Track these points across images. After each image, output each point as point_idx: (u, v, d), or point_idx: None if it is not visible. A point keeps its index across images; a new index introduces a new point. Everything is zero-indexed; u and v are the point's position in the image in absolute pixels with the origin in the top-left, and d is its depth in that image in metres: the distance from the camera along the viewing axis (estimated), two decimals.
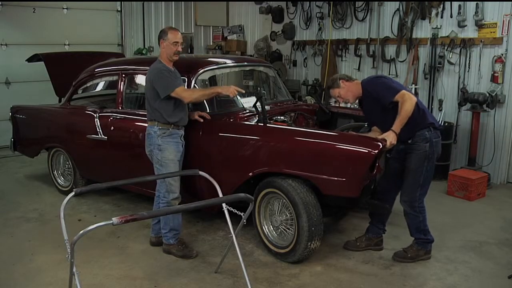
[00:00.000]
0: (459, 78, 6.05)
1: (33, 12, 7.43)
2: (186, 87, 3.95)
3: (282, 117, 4.24)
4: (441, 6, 6.13)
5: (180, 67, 3.87)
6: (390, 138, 3.24)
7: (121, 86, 4.59)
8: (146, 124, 3.80)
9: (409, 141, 3.43)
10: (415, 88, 6.44)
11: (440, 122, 5.97)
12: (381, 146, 3.16)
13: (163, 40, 3.61)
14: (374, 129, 3.65)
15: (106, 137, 4.56)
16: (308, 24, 8.07)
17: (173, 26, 8.74)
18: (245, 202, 2.70)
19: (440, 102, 6.25)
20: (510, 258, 3.78)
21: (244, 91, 3.82)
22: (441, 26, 6.18)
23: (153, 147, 3.67)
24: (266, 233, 3.78)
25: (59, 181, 5.46)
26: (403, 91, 3.32)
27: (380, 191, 3.71)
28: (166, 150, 3.63)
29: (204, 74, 4.28)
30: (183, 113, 3.69)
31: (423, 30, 6.41)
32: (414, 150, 3.40)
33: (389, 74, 6.85)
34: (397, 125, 3.26)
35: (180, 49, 3.63)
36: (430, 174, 3.47)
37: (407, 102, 3.25)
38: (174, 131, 3.67)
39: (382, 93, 3.36)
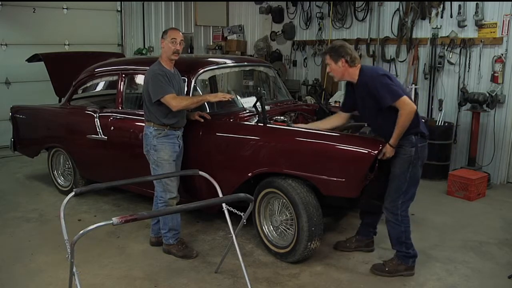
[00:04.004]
0: (459, 78, 6.05)
1: (33, 12, 7.44)
2: (186, 87, 3.96)
3: (282, 117, 4.24)
4: (441, 6, 6.14)
5: (180, 67, 3.87)
6: (388, 153, 3.19)
7: (121, 86, 4.59)
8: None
9: None
10: (415, 88, 6.45)
11: (440, 122, 5.98)
12: (381, 147, 3.17)
13: (163, 40, 3.64)
14: (338, 116, 3.60)
15: (106, 137, 4.56)
16: (308, 24, 8.07)
17: (173, 26, 8.76)
18: (245, 202, 2.70)
19: (440, 102, 6.24)
20: (510, 258, 3.78)
21: (233, 97, 3.78)
22: (441, 26, 6.18)
23: (149, 147, 3.68)
24: (266, 233, 3.78)
25: (59, 181, 5.46)
26: (404, 97, 3.14)
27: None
28: (161, 151, 3.64)
29: (204, 74, 4.28)
30: (179, 116, 3.69)
31: (423, 30, 6.41)
32: (399, 154, 3.24)
33: None
34: (395, 138, 3.16)
35: (179, 48, 3.63)
36: (414, 181, 3.31)
37: (405, 113, 3.10)
38: (171, 132, 3.67)
39: (383, 94, 3.16)
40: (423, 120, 3.45)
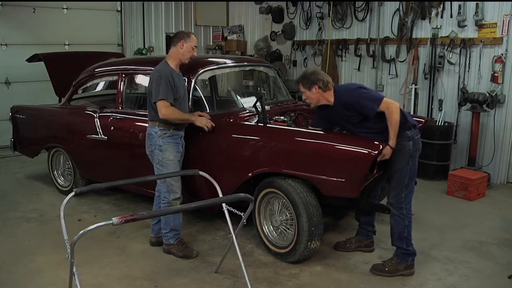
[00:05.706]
0: (459, 78, 6.05)
1: (33, 12, 7.44)
2: (186, 87, 3.95)
3: (282, 117, 4.24)
4: (441, 6, 6.13)
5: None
6: (388, 154, 3.23)
7: (121, 86, 4.59)
8: (146, 124, 3.80)
9: None
10: (415, 88, 6.45)
11: (440, 122, 5.98)
12: (381, 147, 3.17)
13: (184, 41, 3.59)
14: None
15: (106, 137, 4.56)
16: (308, 24, 8.07)
17: (173, 26, 8.75)
18: (245, 202, 2.70)
19: (440, 102, 6.24)
20: (510, 258, 3.78)
21: (214, 125, 3.79)
22: (441, 26, 6.18)
23: (154, 147, 3.67)
24: (266, 233, 3.78)
25: (59, 181, 5.46)
26: (385, 99, 3.26)
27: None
28: (166, 151, 3.63)
29: (204, 74, 4.28)
30: None
31: (423, 30, 6.41)
32: (398, 149, 3.30)
33: (389, 74, 6.86)
34: (393, 138, 3.22)
35: (196, 54, 3.67)
36: (414, 173, 3.39)
37: (393, 111, 3.20)
38: (175, 132, 3.67)
39: (367, 104, 3.26)
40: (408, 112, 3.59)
